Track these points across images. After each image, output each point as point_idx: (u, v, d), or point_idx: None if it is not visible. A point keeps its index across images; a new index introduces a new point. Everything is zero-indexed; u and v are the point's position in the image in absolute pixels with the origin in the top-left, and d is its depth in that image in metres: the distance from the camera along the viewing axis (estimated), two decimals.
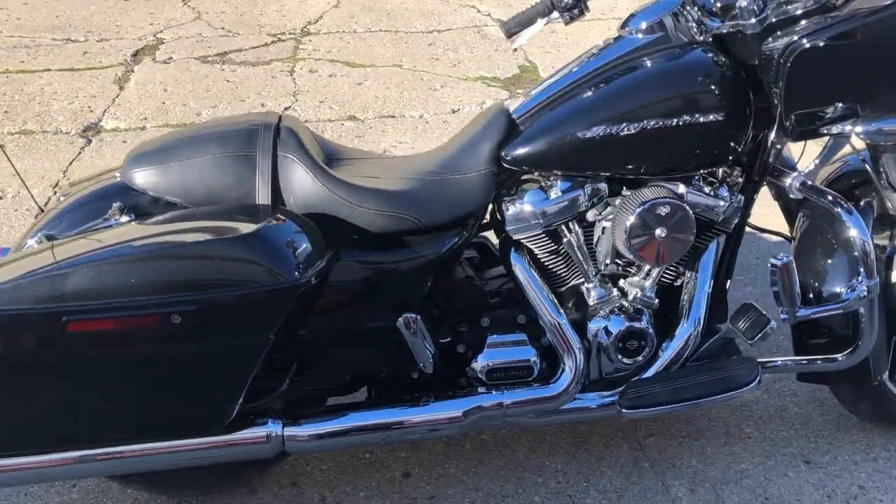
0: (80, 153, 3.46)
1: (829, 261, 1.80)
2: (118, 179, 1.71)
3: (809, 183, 1.76)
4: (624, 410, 1.78)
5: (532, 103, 1.76)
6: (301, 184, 1.64)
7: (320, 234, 1.58)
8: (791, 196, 1.80)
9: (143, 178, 1.65)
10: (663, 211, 1.68)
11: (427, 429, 1.75)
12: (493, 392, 1.77)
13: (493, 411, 1.76)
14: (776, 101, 1.63)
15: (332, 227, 1.63)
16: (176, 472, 1.80)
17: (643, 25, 1.74)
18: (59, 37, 4.65)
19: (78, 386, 1.50)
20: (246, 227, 1.49)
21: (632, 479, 1.96)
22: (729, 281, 1.90)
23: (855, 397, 1.97)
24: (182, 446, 1.61)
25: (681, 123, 1.66)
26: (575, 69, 1.78)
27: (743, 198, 1.81)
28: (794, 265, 1.69)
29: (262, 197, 1.63)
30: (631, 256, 1.72)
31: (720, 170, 1.81)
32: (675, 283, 1.86)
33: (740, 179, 1.82)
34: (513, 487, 1.95)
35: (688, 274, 1.84)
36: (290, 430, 1.68)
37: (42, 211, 1.81)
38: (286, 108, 3.86)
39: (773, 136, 1.74)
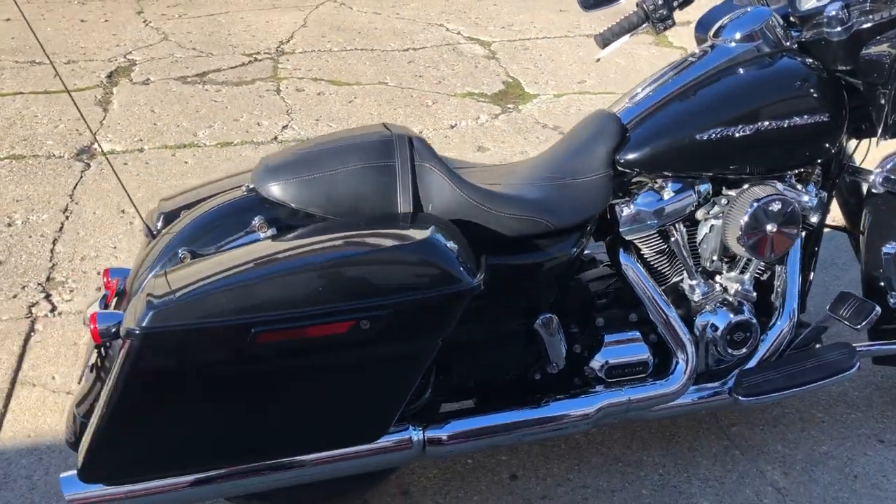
0: (81, 177, 3.34)
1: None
2: (246, 193, 1.70)
3: (893, 177, 1.91)
4: (741, 398, 1.87)
5: (641, 108, 1.84)
6: (440, 191, 1.67)
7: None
8: (874, 190, 1.95)
9: (282, 190, 1.64)
10: (775, 207, 1.78)
11: (557, 426, 1.80)
12: (619, 389, 1.83)
13: (619, 407, 1.82)
14: (882, 102, 1.77)
15: (472, 232, 1.66)
16: (296, 489, 1.78)
17: (738, 35, 1.86)
18: (22, 59, 4.48)
19: (254, 398, 1.48)
20: (419, 234, 1.51)
21: (727, 467, 2.05)
22: (812, 274, 2.03)
23: None
24: (338, 456, 1.60)
25: (790, 125, 1.78)
26: (677, 76, 1.87)
27: (826, 194, 1.95)
28: None
29: (404, 205, 1.65)
30: (742, 251, 1.82)
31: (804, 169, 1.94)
32: (766, 278, 1.97)
33: (819, 178, 1.95)
34: (618, 482, 2.01)
35: (778, 268, 1.95)
36: (431, 434, 1.70)
37: (152, 234, 1.77)
38: (284, 127, 3.84)
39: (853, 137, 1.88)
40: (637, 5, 1.95)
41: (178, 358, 1.41)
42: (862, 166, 2.00)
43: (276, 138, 3.74)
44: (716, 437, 2.14)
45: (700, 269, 1.91)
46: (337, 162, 1.66)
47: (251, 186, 1.71)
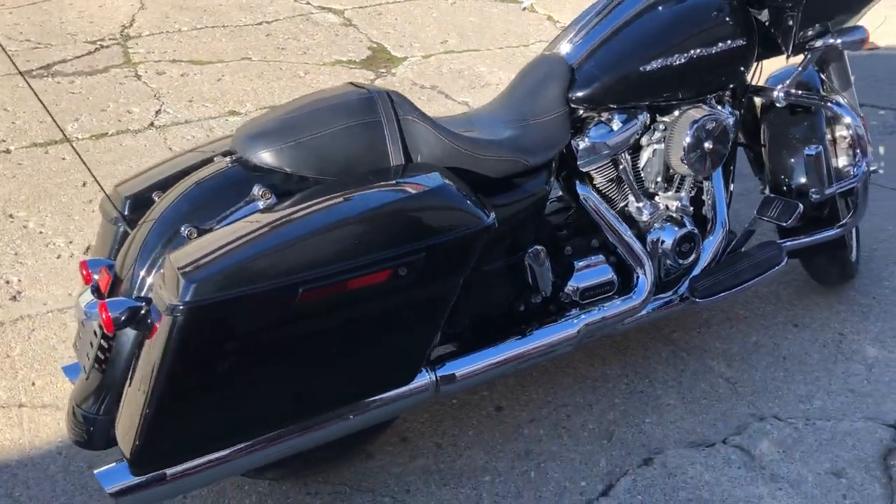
0: None
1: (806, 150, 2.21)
2: (232, 163, 1.68)
3: (793, 91, 2.18)
4: (698, 300, 2.09)
5: (583, 47, 1.99)
6: (426, 142, 1.74)
7: None
8: (777, 104, 2.21)
9: (275, 156, 1.65)
10: (710, 126, 2.00)
11: (548, 351, 1.93)
12: (594, 309, 1.98)
13: (597, 325, 1.98)
14: (791, 23, 2.01)
15: (462, 177, 1.74)
16: (307, 452, 1.81)
17: None
18: None
19: (301, 357, 1.50)
20: (431, 180, 1.58)
21: (680, 368, 2.29)
22: (732, 185, 2.28)
23: (826, 265, 2.44)
24: (372, 405, 1.65)
25: (716, 51, 1.99)
26: (609, 15, 2.03)
27: (737, 112, 2.19)
28: (823, 154, 2.11)
29: (395, 159, 1.70)
30: (685, 169, 2.02)
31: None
32: (696, 194, 2.19)
33: (729, 98, 2.19)
34: (592, 396, 2.19)
35: (706, 184, 2.18)
36: (442, 374, 1.78)
37: (124, 219, 1.72)
38: (157, 112, 3.69)
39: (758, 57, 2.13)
40: None
41: (226, 327, 1.41)
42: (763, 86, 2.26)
43: (152, 124, 3.59)
44: (662, 344, 2.37)
45: (644, 192, 2.10)
46: (324, 123, 1.68)
47: (237, 156, 1.70)
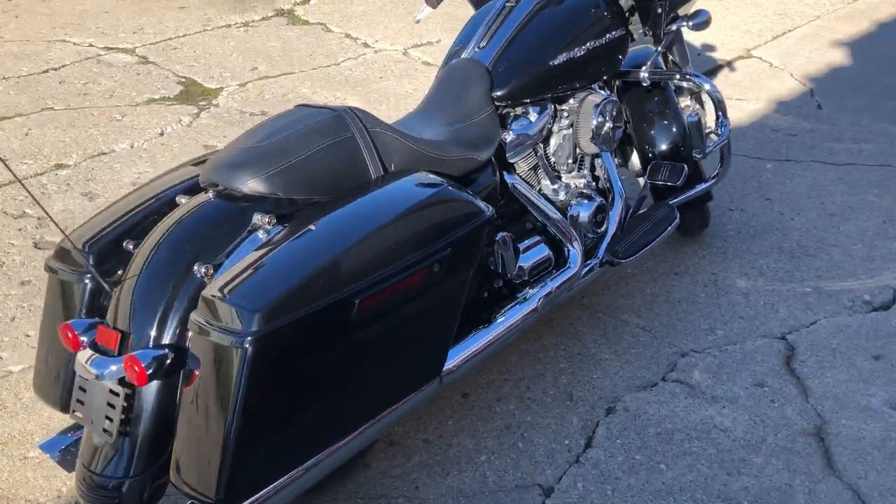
0: None
1: (687, 118, 2.56)
2: (216, 196, 1.67)
3: (656, 69, 2.51)
4: (622, 261, 2.35)
5: (493, 50, 2.17)
6: (397, 150, 1.83)
7: None
8: (643, 84, 2.53)
9: (264, 183, 1.65)
10: (609, 108, 2.27)
11: (521, 328, 2.09)
12: (543, 284, 2.17)
13: (550, 296, 2.17)
14: (660, 11, 2.32)
15: None
16: None
17: None
18: None
19: (358, 363, 1.53)
20: (432, 180, 1.68)
21: (601, 326, 2.55)
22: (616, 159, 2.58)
23: (693, 217, 2.82)
24: (402, 403, 1.72)
25: (605, 41, 2.26)
26: (506, 20, 2.22)
27: (614, 95, 2.49)
28: (700, 120, 2.45)
29: (374, 170, 1.78)
30: (593, 149, 2.28)
31: None
32: (593, 170, 2.46)
33: (604, 82, 2.49)
34: (541, 367, 2.38)
35: (598, 161, 2.46)
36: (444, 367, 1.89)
37: (91, 270, 1.64)
38: None
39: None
40: None
41: (292, 350, 1.42)
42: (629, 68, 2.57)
43: None
44: (580, 311, 2.62)
45: (556, 174, 2.33)
46: (304, 145, 1.72)
47: (219, 189, 1.69)
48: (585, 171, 2.38)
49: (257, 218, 1.63)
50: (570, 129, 2.29)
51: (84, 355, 1.60)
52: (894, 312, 2.58)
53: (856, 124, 3.84)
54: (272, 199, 1.68)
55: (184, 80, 4.36)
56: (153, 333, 1.57)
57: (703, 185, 2.64)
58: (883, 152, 3.58)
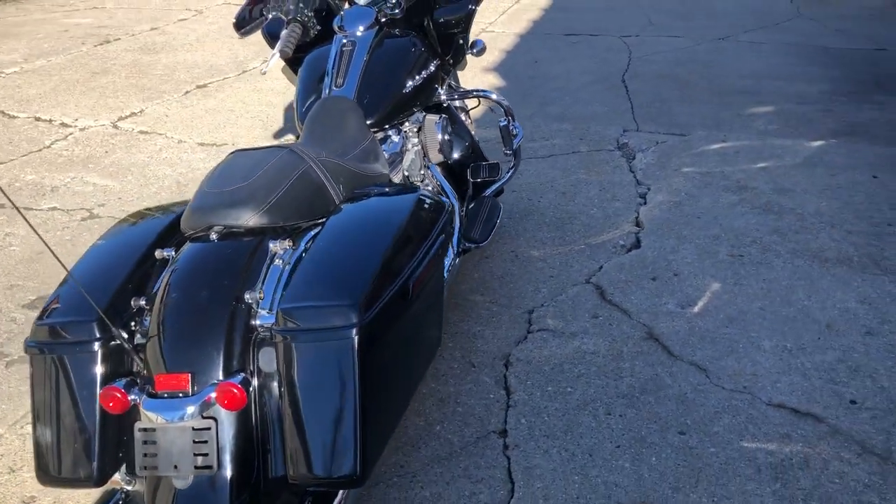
0: None
1: (498, 123, 3.09)
2: (220, 236, 1.81)
3: (452, 89, 3.03)
4: (481, 243, 2.82)
5: (353, 85, 2.51)
6: (342, 173, 2.09)
7: None
8: (442, 104, 3.03)
9: (263, 217, 1.81)
10: (445, 123, 2.74)
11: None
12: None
13: (446, 283, 2.57)
14: (461, 42, 2.83)
15: None
16: None
17: (360, 30, 2.65)
18: None
19: (411, 340, 1.80)
20: (411, 191, 2.01)
21: (460, 309, 2.99)
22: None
23: None
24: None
25: (430, 70, 2.72)
26: (353, 60, 2.57)
27: None
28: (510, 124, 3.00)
29: (333, 191, 2.03)
30: (441, 158, 2.73)
31: None
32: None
33: None
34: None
35: (426, 169, 2.91)
36: None
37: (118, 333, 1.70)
38: None
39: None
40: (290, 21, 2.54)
41: (380, 332, 1.66)
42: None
43: None
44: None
45: (412, 183, 2.75)
46: (281, 180, 1.91)
47: (219, 228, 1.82)
48: (431, 181, 2.82)
49: (274, 244, 1.81)
50: (419, 146, 2.71)
51: (150, 405, 1.65)
52: (644, 248, 3.42)
53: (536, 128, 4.77)
54: (271, 228, 1.87)
55: None
56: (221, 363, 1.68)
57: (505, 177, 3.22)
58: (568, 144, 4.54)
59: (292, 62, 2.84)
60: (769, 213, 3.68)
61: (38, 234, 1.61)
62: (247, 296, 1.71)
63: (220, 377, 1.68)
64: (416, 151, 2.73)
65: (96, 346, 1.74)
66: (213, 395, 1.64)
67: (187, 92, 5.45)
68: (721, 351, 2.74)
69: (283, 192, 1.90)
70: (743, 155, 4.33)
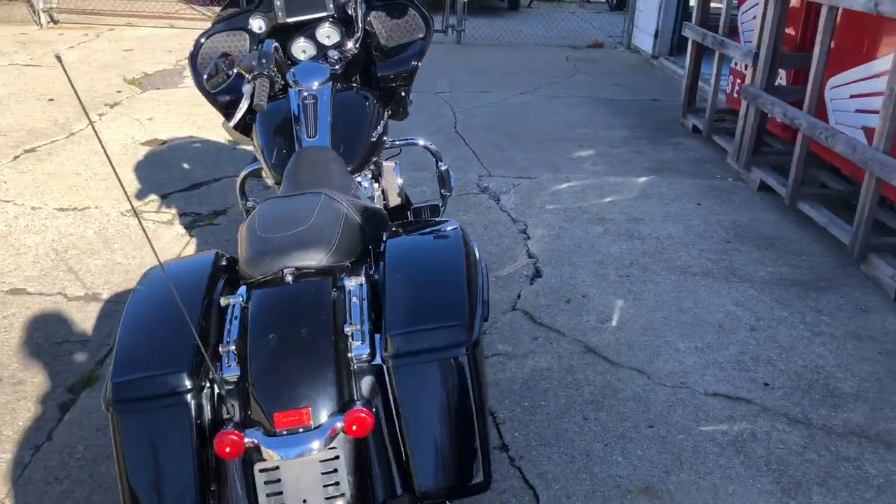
0: None
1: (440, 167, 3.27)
2: (294, 278, 1.87)
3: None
4: None
5: (326, 135, 2.60)
6: (364, 212, 2.21)
7: None
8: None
9: (332, 257, 1.88)
10: (397, 169, 2.92)
11: None
12: None
13: None
14: (403, 94, 3.01)
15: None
16: None
17: (316, 85, 2.76)
18: None
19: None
20: (443, 223, 2.16)
21: None
22: None
23: None
24: None
25: (384, 119, 2.89)
26: (318, 111, 2.67)
27: None
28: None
29: (369, 231, 2.15)
30: (399, 201, 2.89)
31: None
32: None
33: None
34: None
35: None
36: None
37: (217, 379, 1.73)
38: None
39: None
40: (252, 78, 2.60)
41: (479, 350, 1.82)
42: None
43: None
44: None
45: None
46: (332, 221, 1.99)
47: (291, 270, 1.88)
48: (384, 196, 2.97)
49: (349, 281, 1.90)
50: (380, 190, 2.85)
51: (272, 444, 1.68)
52: (547, 276, 3.77)
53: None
54: (338, 267, 1.96)
55: None
56: (336, 394, 1.75)
57: (444, 199, 3.39)
58: (436, 191, 4.83)
59: (230, 118, 2.87)
60: (633, 239, 4.21)
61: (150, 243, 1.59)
62: (348, 329, 1.79)
63: (335, 408, 1.74)
64: (377, 196, 2.87)
65: (189, 397, 1.72)
66: (339, 424, 1.70)
67: (16, 157, 5.06)
68: (649, 355, 3.14)
69: (342, 232, 1.99)
70: (589, 192, 4.88)
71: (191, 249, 3.93)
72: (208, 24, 2.91)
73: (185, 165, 5.12)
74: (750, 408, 2.84)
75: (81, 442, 2.55)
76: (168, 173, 4.97)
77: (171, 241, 4.03)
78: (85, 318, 3.27)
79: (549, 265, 3.87)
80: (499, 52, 9.39)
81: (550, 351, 3.14)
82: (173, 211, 4.40)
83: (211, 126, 5.86)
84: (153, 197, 4.59)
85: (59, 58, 1.51)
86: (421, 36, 3.02)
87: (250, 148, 5.51)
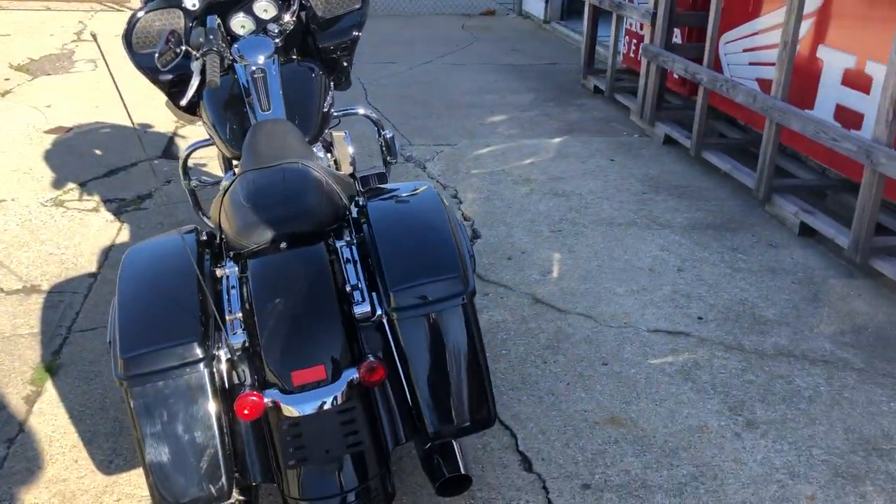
0: None
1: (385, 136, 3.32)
2: (285, 247, 1.95)
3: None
4: None
5: (279, 107, 2.64)
6: (339, 180, 2.29)
7: None
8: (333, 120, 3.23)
9: (321, 223, 2.00)
10: (349, 137, 2.99)
11: None
12: None
13: None
14: (345, 64, 3.06)
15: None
16: None
17: (261, 59, 2.79)
18: None
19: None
20: (419, 186, 2.26)
21: None
22: None
23: None
24: None
25: (331, 89, 2.94)
26: (268, 84, 2.70)
27: None
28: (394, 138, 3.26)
29: (343, 197, 2.23)
30: (350, 170, 2.97)
31: None
32: None
33: None
34: None
35: None
36: None
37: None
38: None
39: None
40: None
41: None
42: None
43: None
44: None
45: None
46: (318, 188, 2.07)
47: (284, 237, 1.96)
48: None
49: (339, 243, 2.00)
50: (332, 160, 2.92)
51: (292, 401, 1.78)
52: (486, 237, 3.93)
53: None
54: (325, 232, 2.05)
55: None
56: (347, 350, 1.85)
57: (388, 175, 3.47)
58: (363, 161, 4.89)
59: (175, 97, 2.86)
60: (559, 197, 4.42)
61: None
62: (349, 288, 1.89)
63: (349, 363, 1.84)
64: (331, 166, 2.94)
65: (201, 365, 1.79)
66: (355, 376, 1.81)
67: None
68: (592, 301, 3.35)
69: (325, 199, 2.08)
70: (509, 155, 5.06)
71: (125, 235, 3.88)
72: (87, 7, 2.86)
73: (98, 152, 4.99)
74: (689, 340, 3.09)
75: (58, 430, 2.54)
76: (81, 161, 4.83)
77: (101, 228, 3.96)
78: (29, 311, 3.21)
79: (485, 227, 4.03)
80: (396, 23, 9.44)
81: (502, 304, 3.30)
82: (96, 198, 4.31)
83: (116, 111, 5.71)
84: (71, 185, 4.47)
85: None
86: (357, 6, 3.07)
87: (163, 131, 5.41)
